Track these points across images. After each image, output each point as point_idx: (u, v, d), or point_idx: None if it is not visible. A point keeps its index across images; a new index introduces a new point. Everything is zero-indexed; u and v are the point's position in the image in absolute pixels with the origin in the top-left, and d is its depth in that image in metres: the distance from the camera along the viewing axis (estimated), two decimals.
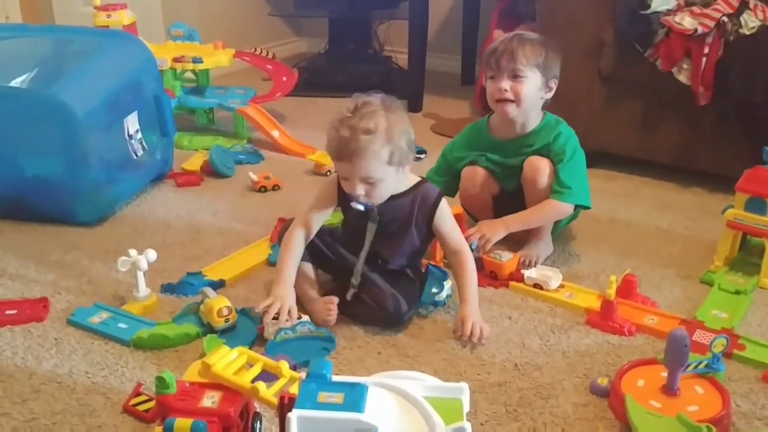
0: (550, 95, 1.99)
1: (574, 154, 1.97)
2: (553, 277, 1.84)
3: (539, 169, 1.95)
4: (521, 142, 2.00)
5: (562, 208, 1.97)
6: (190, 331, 1.62)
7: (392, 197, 1.69)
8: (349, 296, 1.70)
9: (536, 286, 1.85)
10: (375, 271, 1.72)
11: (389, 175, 1.62)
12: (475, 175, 2.07)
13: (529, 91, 1.94)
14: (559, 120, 2.03)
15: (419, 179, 1.75)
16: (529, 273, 1.86)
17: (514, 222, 1.97)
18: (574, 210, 2.00)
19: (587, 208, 2.01)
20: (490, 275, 1.91)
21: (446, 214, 1.74)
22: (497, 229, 1.95)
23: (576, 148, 1.99)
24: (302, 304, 1.71)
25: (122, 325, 1.65)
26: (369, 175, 1.60)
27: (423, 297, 1.76)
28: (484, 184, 2.06)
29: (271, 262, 1.95)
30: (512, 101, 1.94)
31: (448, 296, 1.79)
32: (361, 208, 1.65)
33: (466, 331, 1.62)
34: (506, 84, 1.93)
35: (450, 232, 1.74)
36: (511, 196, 2.04)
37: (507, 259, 1.91)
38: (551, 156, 1.97)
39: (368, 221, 1.68)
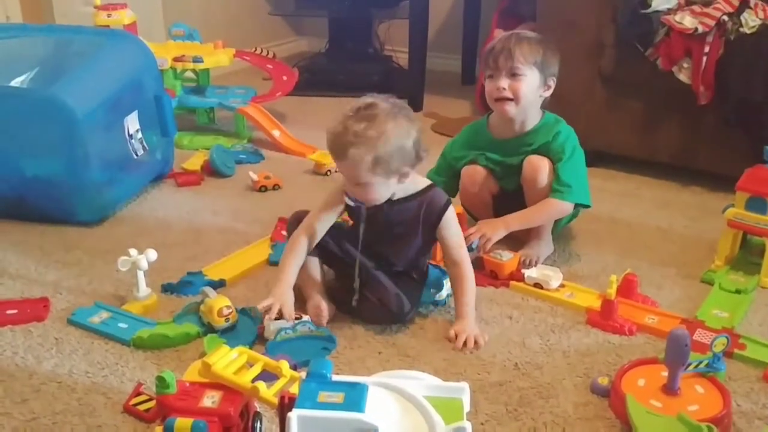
0: (548, 93, 1.99)
1: (574, 153, 1.97)
2: (553, 277, 1.84)
3: (539, 168, 1.95)
4: (520, 141, 2.00)
5: (562, 207, 1.96)
6: (190, 331, 1.62)
7: (399, 200, 1.70)
8: (354, 302, 1.70)
9: (537, 285, 1.85)
10: (380, 270, 1.72)
11: (378, 182, 1.61)
12: (475, 174, 2.07)
13: (528, 90, 1.94)
14: (558, 119, 2.02)
15: (429, 183, 1.75)
16: (530, 272, 1.86)
17: (515, 221, 1.97)
18: (575, 209, 2.00)
19: (587, 206, 2.01)
20: (490, 274, 1.91)
21: (452, 222, 1.73)
22: (497, 228, 1.95)
23: (575, 147, 1.98)
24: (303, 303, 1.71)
25: (122, 325, 1.65)
26: (354, 178, 1.61)
27: (422, 297, 1.76)
28: (483, 183, 2.06)
29: (272, 262, 1.95)
30: (511, 99, 1.94)
31: (448, 295, 1.79)
32: (351, 203, 1.67)
33: (458, 345, 1.62)
34: (504, 82, 1.93)
35: (452, 240, 1.72)
36: (510, 196, 2.03)
37: (507, 258, 1.91)
38: (550, 155, 1.96)
39: (360, 221, 1.70)
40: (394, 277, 1.73)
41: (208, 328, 1.63)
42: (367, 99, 1.63)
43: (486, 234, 1.93)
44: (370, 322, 1.70)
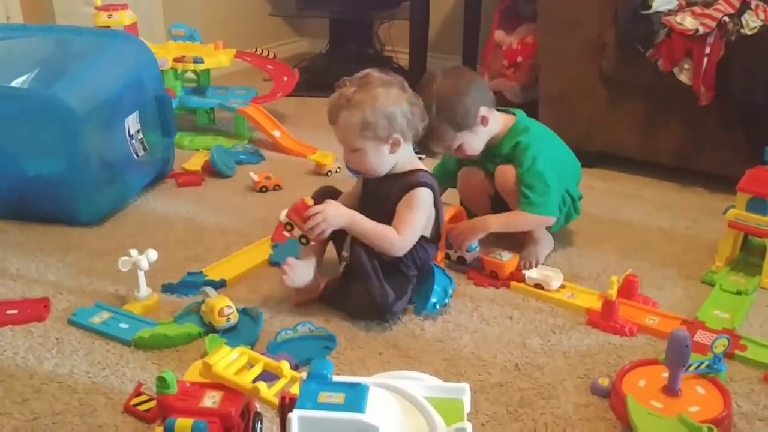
0: (488, 123, 1.94)
1: (534, 163, 1.92)
2: (554, 278, 1.84)
3: (505, 177, 1.95)
4: (491, 152, 2.00)
5: (531, 219, 1.94)
6: (191, 331, 1.62)
7: (389, 176, 1.73)
8: (340, 269, 1.74)
9: (537, 286, 1.84)
10: (372, 260, 1.70)
11: (370, 149, 1.67)
12: (470, 176, 2.08)
13: (470, 144, 1.95)
14: (525, 127, 1.98)
15: (419, 168, 1.76)
16: (530, 273, 1.86)
17: (495, 223, 1.97)
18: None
19: (553, 217, 1.97)
20: (491, 275, 1.91)
21: (414, 203, 1.70)
22: (475, 229, 1.95)
23: (535, 157, 1.93)
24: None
25: (123, 325, 1.65)
26: (347, 144, 1.68)
27: (423, 305, 1.74)
28: (479, 185, 2.05)
29: (272, 262, 1.95)
30: (466, 156, 1.99)
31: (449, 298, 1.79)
32: (350, 174, 1.70)
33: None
34: (451, 153, 1.99)
35: (400, 213, 1.70)
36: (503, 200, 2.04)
37: (507, 258, 1.91)
38: (514, 163, 1.95)
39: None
40: (384, 268, 1.71)
41: (209, 328, 1.64)
42: (366, 71, 1.70)
43: (463, 233, 1.94)
44: (354, 314, 1.71)
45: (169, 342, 1.60)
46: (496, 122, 1.97)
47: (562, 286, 1.85)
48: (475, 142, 1.96)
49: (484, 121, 1.93)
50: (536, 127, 2.03)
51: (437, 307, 1.73)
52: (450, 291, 1.77)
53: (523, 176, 1.92)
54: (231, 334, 1.62)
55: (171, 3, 3.65)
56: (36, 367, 1.53)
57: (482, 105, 1.91)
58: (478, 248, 1.98)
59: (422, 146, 1.93)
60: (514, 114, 2.03)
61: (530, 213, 1.92)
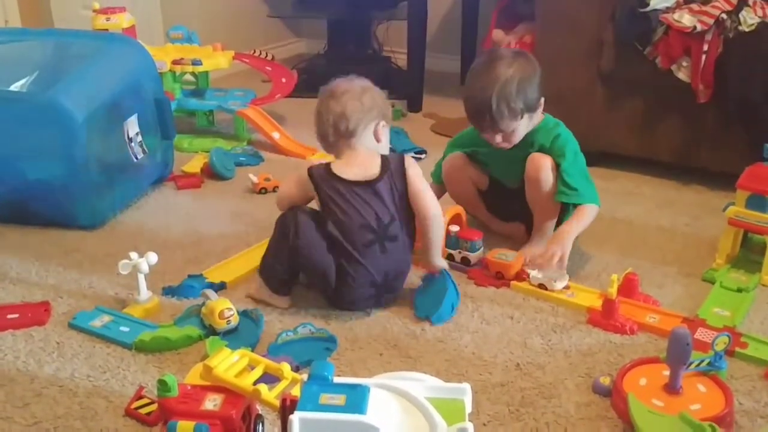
0: (540, 114, 1.97)
1: (576, 156, 1.96)
2: (558, 278, 1.83)
3: (541, 166, 1.93)
4: (520, 143, 1.99)
5: (594, 210, 1.95)
6: (192, 334, 1.62)
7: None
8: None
9: (540, 286, 1.84)
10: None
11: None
12: (454, 160, 2.09)
13: (522, 131, 1.95)
14: (558, 123, 2.01)
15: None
16: (535, 273, 1.86)
17: (574, 227, 1.91)
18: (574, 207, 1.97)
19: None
20: (495, 276, 1.90)
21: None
22: (563, 240, 1.87)
23: (576, 151, 1.97)
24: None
25: (124, 329, 1.65)
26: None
27: (427, 311, 1.73)
28: (464, 170, 2.07)
29: None
30: (509, 145, 1.97)
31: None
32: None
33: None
34: (498, 138, 1.95)
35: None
36: (511, 193, 2.03)
37: (513, 258, 1.90)
38: (552, 154, 1.96)
39: None
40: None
41: (210, 331, 1.63)
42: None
43: (554, 248, 1.85)
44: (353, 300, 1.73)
45: (169, 345, 1.59)
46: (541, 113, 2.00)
47: (567, 287, 1.85)
48: (525, 129, 1.95)
49: (541, 108, 1.96)
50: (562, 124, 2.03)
51: (441, 320, 1.71)
52: (456, 306, 1.75)
53: (570, 168, 1.93)
54: (231, 337, 1.62)
55: (169, 5, 3.65)
56: (37, 371, 1.53)
57: (542, 93, 1.94)
58: (482, 248, 1.97)
59: (481, 118, 1.90)
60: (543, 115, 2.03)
61: (593, 204, 1.94)
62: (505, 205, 2.07)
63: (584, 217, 1.94)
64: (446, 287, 1.75)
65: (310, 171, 1.74)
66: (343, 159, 1.76)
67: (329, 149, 1.82)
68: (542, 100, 1.94)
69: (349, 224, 1.68)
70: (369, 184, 1.71)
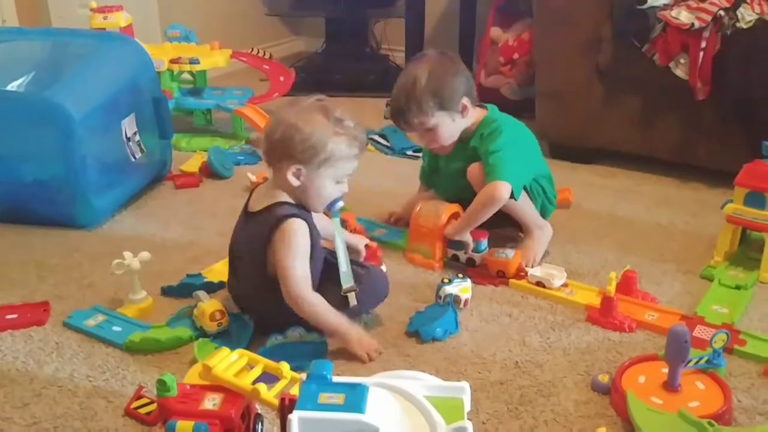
0: (468, 113, 1.94)
1: (506, 145, 1.90)
2: (556, 276, 1.83)
3: (479, 175, 1.92)
4: (462, 146, 1.99)
5: (488, 190, 1.86)
6: (182, 335, 1.61)
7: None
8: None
9: (539, 284, 1.84)
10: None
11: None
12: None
13: (444, 130, 1.94)
14: (495, 119, 1.97)
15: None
16: (533, 271, 1.86)
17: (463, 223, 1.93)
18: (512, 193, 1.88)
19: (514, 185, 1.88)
20: (497, 275, 1.90)
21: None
22: (459, 229, 1.92)
23: (508, 141, 1.91)
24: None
25: (117, 328, 1.65)
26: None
27: (420, 328, 1.67)
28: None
29: None
30: (436, 144, 1.98)
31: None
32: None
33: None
34: (420, 139, 1.99)
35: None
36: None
37: (512, 256, 1.90)
38: (481, 150, 1.93)
39: None
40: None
41: (201, 333, 1.62)
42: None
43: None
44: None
45: (159, 346, 1.58)
46: (472, 116, 1.97)
47: (565, 285, 1.85)
48: (448, 128, 1.94)
49: (465, 110, 1.93)
50: (506, 118, 2.01)
51: (430, 336, 1.65)
52: (451, 333, 1.67)
53: (493, 154, 1.88)
54: (222, 339, 1.59)
55: (166, 4, 3.64)
56: (36, 371, 1.53)
57: (467, 94, 1.93)
58: (487, 249, 1.95)
59: (397, 116, 1.94)
60: (487, 108, 2.03)
61: (492, 182, 1.85)
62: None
63: (479, 202, 1.88)
64: (446, 312, 1.70)
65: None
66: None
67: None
68: (464, 99, 1.92)
69: None
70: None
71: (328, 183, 1.61)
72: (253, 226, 1.60)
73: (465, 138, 1.99)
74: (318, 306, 1.57)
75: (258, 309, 1.65)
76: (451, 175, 2.05)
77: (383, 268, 1.86)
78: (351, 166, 1.63)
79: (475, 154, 1.95)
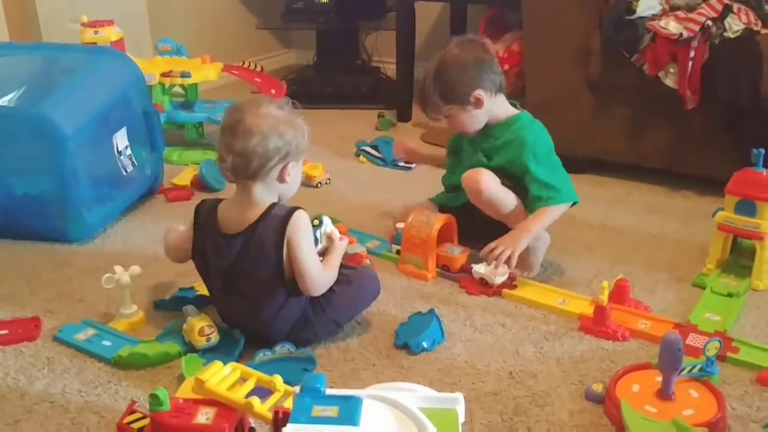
0: (483, 105, 1.94)
1: (549, 155, 1.95)
2: (498, 273, 1.86)
3: (478, 179, 1.93)
4: (487, 132, 2.01)
5: (558, 211, 1.92)
6: (170, 350, 1.60)
7: None
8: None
9: (482, 280, 1.88)
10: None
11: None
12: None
13: (462, 120, 1.98)
14: (524, 126, 1.98)
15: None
16: (477, 268, 1.89)
17: (533, 224, 1.90)
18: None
19: (576, 203, 1.97)
20: (442, 268, 1.95)
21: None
22: (519, 237, 1.88)
23: (549, 150, 1.95)
24: None
25: (106, 343, 1.64)
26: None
27: (407, 339, 1.67)
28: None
29: None
30: (461, 130, 2.03)
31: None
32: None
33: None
34: (445, 122, 2.03)
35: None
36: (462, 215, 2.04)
37: (459, 252, 1.96)
38: (517, 153, 1.94)
39: None
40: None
41: (190, 348, 1.61)
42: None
43: (508, 246, 1.86)
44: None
45: (147, 361, 1.57)
46: (500, 106, 1.98)
47: (514, 285, 1.87)
48: (466, 119, 1.97)
49: (478, 103, 1.94)
50: (538, 123, 2.01)
51: (420, 347, 1.65)
52: (438, 343, 1.67)
53: (541, 167, 1.90)
54: (210, 355, 1.57)
55: (157, 18, 3.65)
56: (27, 387, 1.52)
57: (479, 87, 1.92)
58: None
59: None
60: (520, 111, 2.03)
61: (559, 204, 1.91)
62: (473, 230, 2.05)
63: (546, 216, 1.91)
64: (431, 322, 1.69)
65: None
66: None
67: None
68: (476, 92, 1.92)
69: None
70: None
71: (299, 168, 1.67)
72: (253, 239, 1.57)
73: (491, 126, 2.00)
74: (332, 272, 1.65)
75: (260, 320, 1.62)
76: (470, 158, 2.07)
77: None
78: None
79: (497, 140, 1.99)
